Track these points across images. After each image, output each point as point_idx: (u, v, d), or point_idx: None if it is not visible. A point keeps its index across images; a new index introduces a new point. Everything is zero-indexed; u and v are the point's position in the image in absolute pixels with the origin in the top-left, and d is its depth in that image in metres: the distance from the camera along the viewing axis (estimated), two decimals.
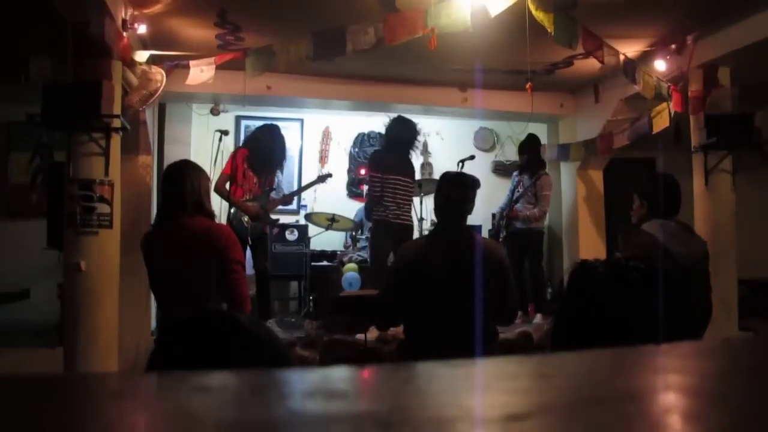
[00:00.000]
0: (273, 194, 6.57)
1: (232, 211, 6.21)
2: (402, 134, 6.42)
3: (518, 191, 6.80)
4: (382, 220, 6.22)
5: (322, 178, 7.00)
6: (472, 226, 4.15)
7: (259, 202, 6.33)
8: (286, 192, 7.02)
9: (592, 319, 1.41)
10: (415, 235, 6.53)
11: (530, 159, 6.92)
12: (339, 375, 0.63)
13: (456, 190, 3.49)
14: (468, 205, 3.51)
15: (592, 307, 1.42)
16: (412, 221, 6.47)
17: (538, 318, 6.37)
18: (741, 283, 6.16)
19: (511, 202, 6.73)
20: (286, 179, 7.84)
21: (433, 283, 3.25)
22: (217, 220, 3.52)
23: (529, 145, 7.05)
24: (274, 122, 7.02)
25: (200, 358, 1.15)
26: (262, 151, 6.41)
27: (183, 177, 3.25)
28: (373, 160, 6.64)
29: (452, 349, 2.91)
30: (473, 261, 3.22)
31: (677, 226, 3.64)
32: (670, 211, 3.71)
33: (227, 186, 6.17)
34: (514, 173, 7.13)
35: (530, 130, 8.55)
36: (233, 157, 6.37)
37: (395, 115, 6.72)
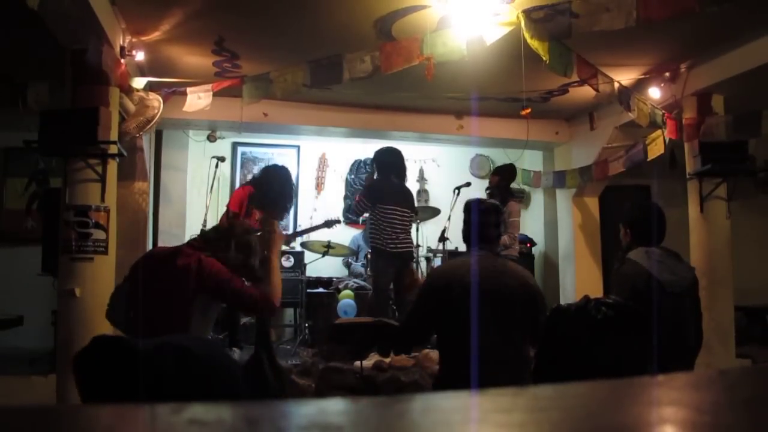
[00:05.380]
0: None
1: None
2: (388, 159, 6.48)
3: None
4: (381, 248, 6.21)
5: (329, 224, 6.94)
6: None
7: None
8: (290, 230, 6.98)
9: (566, 359, 1.42)
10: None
11: (500, 185, 6.75)
12: (334, 408, 0.63)
13: (477, 216, 3.48)
14: (492, 230, 3.47)
15: (565, 348, 1.44)
16: (411, 247, 6.46)
17: None
18: (738, 311, 6.15)
19: None
20: None
21: (468, 310, 3.13)
22: None
23: (504, 172, 6.90)
24: (269, 149, 7.04)
25: (102, 385, 1.17)
26: (269, 194, 6.06)
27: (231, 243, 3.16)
28: (366, 187, 6.64)
29: (489, 377, 2.87)
30: (509, 288, 3.22)
31: (663, 253, 3.61)
32: (653, 238, 3.69)
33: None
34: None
35: (526, 157, 8.61)
36: (239, 194, 6.22)
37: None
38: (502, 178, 6.82)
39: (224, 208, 6.21)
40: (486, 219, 3.45)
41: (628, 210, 3.99)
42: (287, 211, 6.48)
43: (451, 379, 3.24)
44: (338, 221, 7.13)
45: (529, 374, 3.49)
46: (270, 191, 6.05)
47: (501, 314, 3.15)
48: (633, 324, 1.44)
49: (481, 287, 3.19)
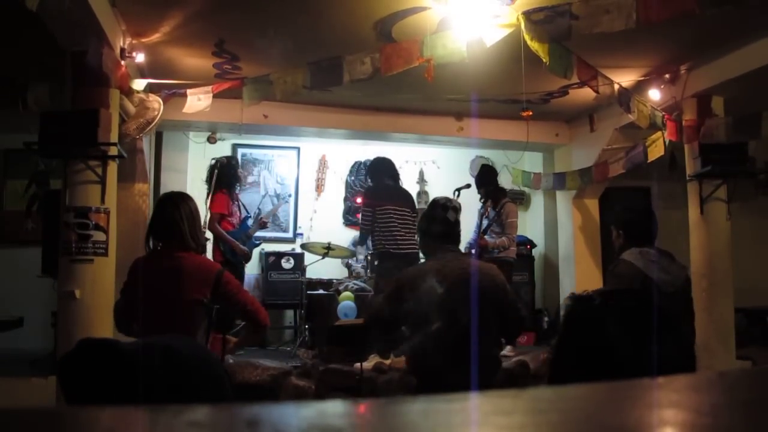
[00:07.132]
0: (249, 222, 6.84)
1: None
2: (379, 164, 6.73)
3: (484, 223, 6.64)
4: (384, 252, 6.23)
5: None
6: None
7: (242, 231, 6.58)
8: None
9: (590, 352, 1.40)
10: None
11: (488, 191, 6.70)
12: (334, 410, 0.63)
13: (452, 213, 3.48)
14: (459, 228, 3.52)
15: (590, 340, 1.41)
16: (415, 248, 6.46)
17: (507, 350, 5.97)
18: (738, 312, 6.15)
19: (480, 233, 6.51)
20: (282, 208, 8.28)
21: (435, 310, 3.13)
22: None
23: (485, 177, 6.83)
24: (270, 150, 7.09)
25: (88, 385, 1.17)
26: (227, 178, 6.61)
27: (178, 208, 3.24)
28: (365, 194, 6.91)
29: (455, 377, 2.85)
30: (473, 287, 3.16)
31: (656, 254, 3.61)
32: (646, 238, 3.68)
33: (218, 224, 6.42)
34: (480, 207, 6.84)
35: (526, 158, 8.61)
36: (222, 197, 6.51)
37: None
38: (486, 185, 6.74)
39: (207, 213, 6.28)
40: (455, 217, 3.47)
41: (619, 212, 3.99)
42: (232, 186, 6.78)
43: (430, 383, 3.20)
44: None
45: (499, 373, 3.50)
46: (226, 178, 6.62)
47: (468, 313, 3.12)
48: (658, 315, 1.41)
49: (455, 288, 3.17)
